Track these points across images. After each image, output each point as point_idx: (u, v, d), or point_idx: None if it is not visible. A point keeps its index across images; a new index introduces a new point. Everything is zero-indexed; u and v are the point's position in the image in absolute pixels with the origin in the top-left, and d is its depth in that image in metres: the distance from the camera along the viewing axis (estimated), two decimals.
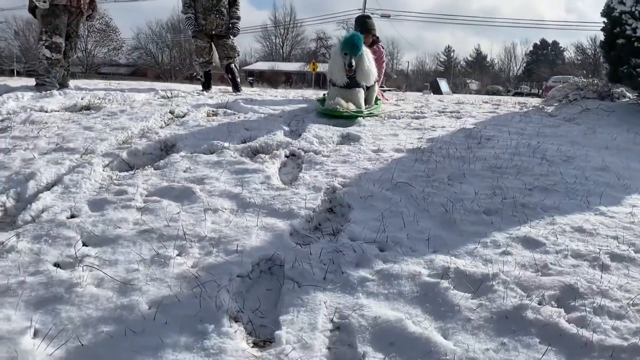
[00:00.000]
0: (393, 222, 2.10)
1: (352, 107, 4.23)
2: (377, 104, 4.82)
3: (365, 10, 30.74)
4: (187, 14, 6.00)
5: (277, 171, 2.81)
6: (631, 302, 1.53)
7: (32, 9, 4.99)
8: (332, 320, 1.50)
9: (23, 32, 40.28)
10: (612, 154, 3.31)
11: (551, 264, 1.76)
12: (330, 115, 4.12)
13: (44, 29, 4.96)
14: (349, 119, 4.07)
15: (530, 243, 1.93)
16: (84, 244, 1.91)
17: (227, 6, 6.10)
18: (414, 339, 1.40)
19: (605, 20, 5.12)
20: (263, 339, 1.45)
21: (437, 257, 1.81)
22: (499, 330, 1.44)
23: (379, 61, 5.73)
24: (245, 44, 56.46)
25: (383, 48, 5.76)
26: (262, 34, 54.69)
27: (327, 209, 2.33)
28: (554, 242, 1.92)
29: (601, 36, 5.35)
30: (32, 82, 5.63)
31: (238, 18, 6.21)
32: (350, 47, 4.23)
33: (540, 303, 1.53)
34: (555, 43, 58.97)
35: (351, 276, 1.70)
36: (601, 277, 1.67)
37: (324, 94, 5.31)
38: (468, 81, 50.37)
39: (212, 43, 6.24)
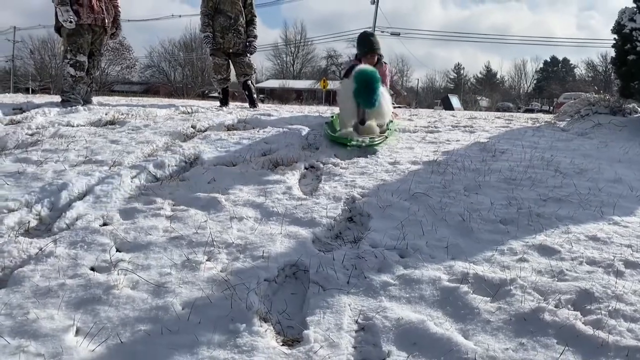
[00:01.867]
0: (412, 230, 2.18)
1: (376, 129, 3.87)
2: (389, 128, 4.26)
3: (375, 29, 30.99)
4: (206, 32, 6.18)
5: (297, 182, 2.90)
6: None
7: (58, 28, 5.16)
8: (356, 322, 1.57)
9: (38, 51, 41.39)
10: (625, 166, 3.35)
11: (567, 270, 1.82)
12: (339, 143, 3.74)
13: (68, 48, 5.13)
14: (360, 148, 3.65)
15: (545, 250, 1.99)
16: (118, 250, 2.01)
17: (244, 25, 6.28)
18: (435, 339, 1.46)
19: (616, 37, 5.21)
20: (291, 338, 1.53)
21: (456, 264, 1.88)
22: (518, 331, 1.50)
23: (382, 79, 5.60)
24: (257, 62, 57.01)
25: (387, 63, 5.72)
26: (274, 52, 55.50)
27: (347, 218, 2.41)
28: (569, 250, 1.98)
29: (612, 53, 5.44)
30: (55, 99, 5.83)
31: (255, 37, 6.39)
32: (365, 101, 3.64)
33: (557, 306, 1.59)
34: (565, 60, 59.00)
35: (374, 280, 1.78)
36: (616, 282, 1.73)
37: (332, 116, 4.92)
38: (478, 98, 50.33)
39: (230, 61, 6.42)
